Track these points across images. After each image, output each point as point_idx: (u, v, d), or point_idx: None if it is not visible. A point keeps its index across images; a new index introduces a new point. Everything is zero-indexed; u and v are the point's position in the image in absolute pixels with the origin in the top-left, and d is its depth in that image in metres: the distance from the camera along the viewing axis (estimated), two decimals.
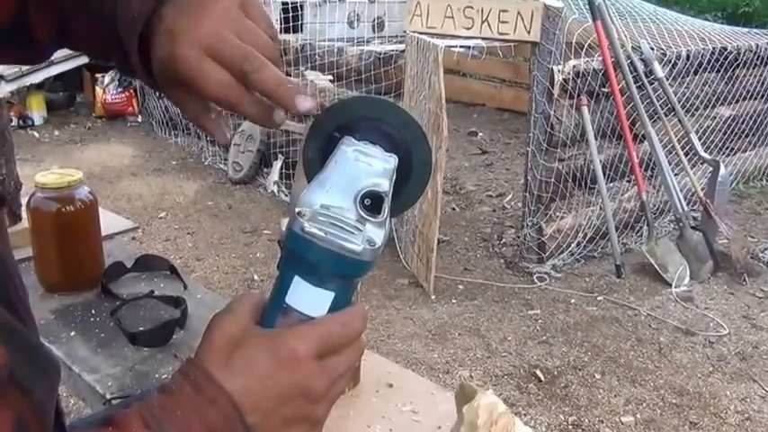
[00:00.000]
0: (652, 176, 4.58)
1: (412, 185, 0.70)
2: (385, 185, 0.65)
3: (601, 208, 4.29)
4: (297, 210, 0.64)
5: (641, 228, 4.53)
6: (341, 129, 0.68)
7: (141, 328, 1.57)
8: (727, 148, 5.33)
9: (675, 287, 3.97)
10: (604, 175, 4.26)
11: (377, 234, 0.64)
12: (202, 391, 0.62)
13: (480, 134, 7.18)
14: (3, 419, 0.61)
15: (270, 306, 0.68)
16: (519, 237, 4.39)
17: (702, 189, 4.45)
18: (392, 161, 0.65)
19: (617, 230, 4.26)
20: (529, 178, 4.18)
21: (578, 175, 4.32)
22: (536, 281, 4.08)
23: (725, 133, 5.29)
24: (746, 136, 5.52)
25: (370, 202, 0.64)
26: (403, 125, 0.69)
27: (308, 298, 0.66)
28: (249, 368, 0.64)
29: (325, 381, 0.68)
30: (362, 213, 0.64)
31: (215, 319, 0.67)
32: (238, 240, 4.61)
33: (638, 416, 2.95)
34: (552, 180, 4.16)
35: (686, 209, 4.32)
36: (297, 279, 0.66)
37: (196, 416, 0.62)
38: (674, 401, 3.04)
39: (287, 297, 0.66)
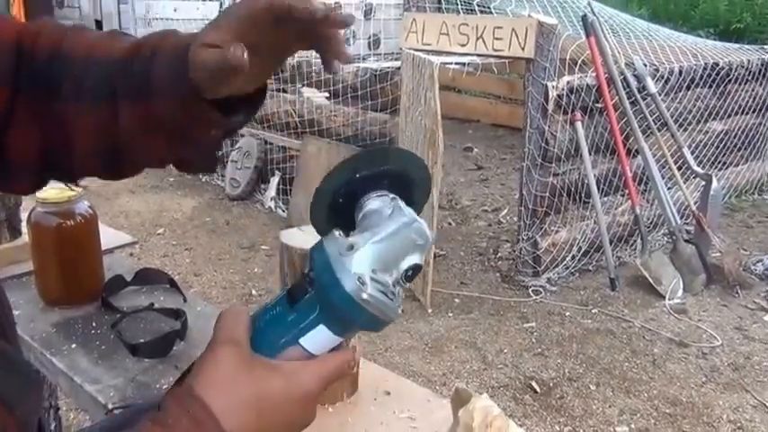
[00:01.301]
0: (645, 190, 4.63)
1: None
2: (423, 260, 0.67)
3: (595, 222, 4.33)
4: (354, 271, 0.63)
5: (635, 241, 4.57)
6: (377, 181, 0.69)
7: (142, 340, 1.59)
8: (719, 163, 5.38)
9: (669, 299, 4.01)
10: (598, 189, 4.31)
11: (401, 298, 0.67)
12: (200, 426, 0.61)
13: (476, 150, 7.23)
14: None
15: (276, 338, 0.67)
16: (514, 251, 4.43)
17: (695, 203, 4.50)
18: (431, 239, 0.67)
19: (611, 244, 4.30)
20: (524, 193, 4.23)
21: (573, 189, 4.36)
22: (531, 294, 4.12)
23: (717, 147, 5.35)
24: (738, 150, 5.58)
25: (411, 274, 0.66)
26: (422, 175, 0.72)
27: (322, 341, 0.67)
28: (258, 404, 0.64)
29: (315, 414, 0.69)
30: (401, 282, 0.65)
31: (215, 350, 0.65)
32: (236, 256, 4.64)
33: (633, 426, 2.98)
34: (547, 194, 4.20)
35: (679, 222, 4.36)
36: (321, 327, 0.66)
37: None
38: (667, 411, 3.07)
39: (302, 339, 0.66)
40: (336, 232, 0.66)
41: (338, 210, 0.69)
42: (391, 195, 0.68)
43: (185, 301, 1.79)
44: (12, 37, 0.79)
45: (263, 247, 4.77)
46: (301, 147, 5.24)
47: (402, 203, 0.68)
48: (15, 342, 0.75)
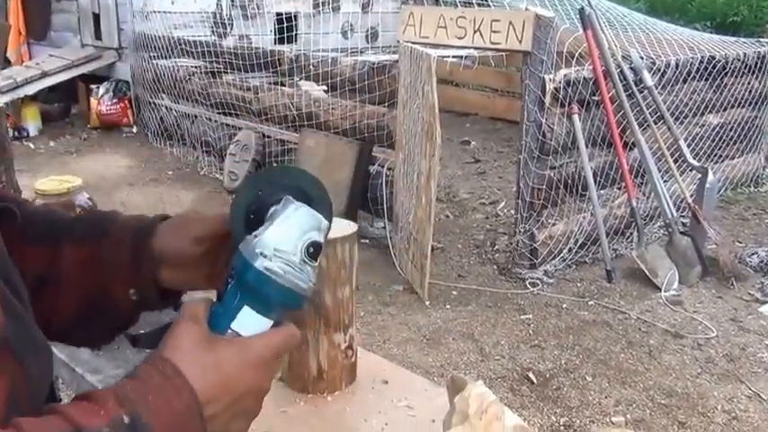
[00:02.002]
0: (642, 183, 4.65)
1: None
2: (321, 239, 0.78)
3: (592, 214, 4.35)
4: (258, 250, 0.74)
5: (631, 234, 4.59)
6: (275, 192, 0.82)
7: (142, 331, 1.61)
8: (715, 155, 5.41)
9: (665, 291, 4.04)
10: (595, 182, 4.33)
11: (313, 276, 0.77)
12: (170, 381, 0.70)
13: (473, 143, 7.25)
14: None
15: (214, 330, 0.75)
16: (511, 243, 4.45)
17: (691, 195, 4.52)
18: (327, 223, 0.79)
19: (608, 236, 4.33)
20: (521, 185, 4.25)
21: (570, 182, 4.38)
22: (528, 286, 4.14)
23: (713, 140, 5.37)
24: (734, 143, 5.60)
25: (312, 251, 0.76)
26: (318, 190, 0.84)
27: (252, 324, 0.76)
28: (218, 368, 0.72)
29: (270, 381, 0.78)
30: (305, 259, 0.76)
31: (180, 325, 0.74)
32: None
33: (629, 416, 3.00)
34: (544, 187, 4.22)
35: (675, 215, 4.39)
36: (245, 308, 0.75)
37: (164, 401, 0.69)
38: (663, 402, 3.10)
39: (233, 323, 0.75)
40: (248, 237, 0.77)
41: (250, 223, 0.81)
42: (286, 197, 0.80)
43: (184, 292, 1.80)
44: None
45: None
46: (299, 140, 5.26)
47: (292, 198, 0.80)
48: (30, 313, 0.79)
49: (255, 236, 0.76)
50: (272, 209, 0.80)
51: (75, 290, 0.94)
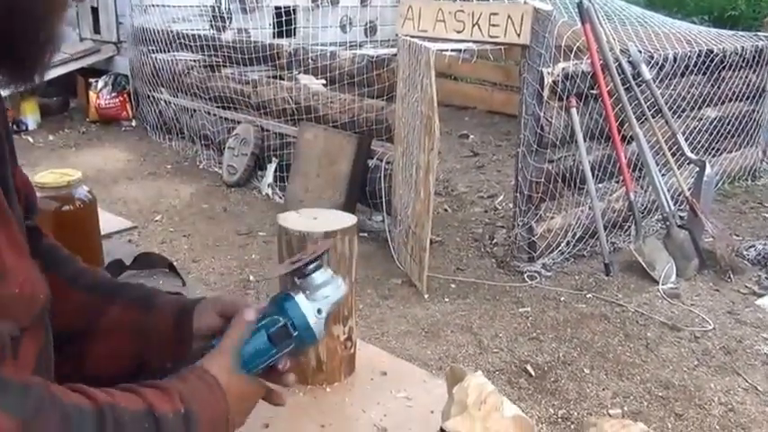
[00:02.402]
0: (640, 177, 4.66)
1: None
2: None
3: (590, 208, 4.37)
4: (322, 332, 0.99)
5: (629, 227, 4.61)
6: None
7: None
8: (713, 149, 5.42)
9: (662, 284, 4.06)
10: (593, 175, 4.34)
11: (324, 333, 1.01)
12: (213, 390, 0.91)
13: (472, 137, 7.26)
14: (30, 349, 0.80)
15: (259, 362, 0.98)
16: (510, 237, 4.46)
17: (689, 189, 4.53)
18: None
19: (606, 230, 4.34)
20: (519, 179, 4.26)
21: (568, 175, 4.39)
22: (527, 279, 4.15)
23: (711, 134, 5.38)
24: (732, 137, 5.61)
25: (327, 316, 1.02)
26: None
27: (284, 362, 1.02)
28: (240, 392, 0.95)
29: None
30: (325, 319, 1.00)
31: (218, 355, 0.96)
32: (234, 242, 4.67)
33: (626, 408, 3.02)
34: (542, 180, 4.23)
35: (673, 208, 4.40)
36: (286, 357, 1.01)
37: (208, 404, 0.89)
38: (660, 394, 3.12)
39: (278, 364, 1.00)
40: (301, 293, 0.99)
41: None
42: (331, 269, 1.01)
43: (184, 284, 1.82)
44: None
45: (260, 233, 4.80)
46: (298, 133, 5.26)
47: (340, 279, 1.01)
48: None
49: (320, 311, 0.99)
50: (316, 275, 1.00)
51: (111, 349, 1.07)
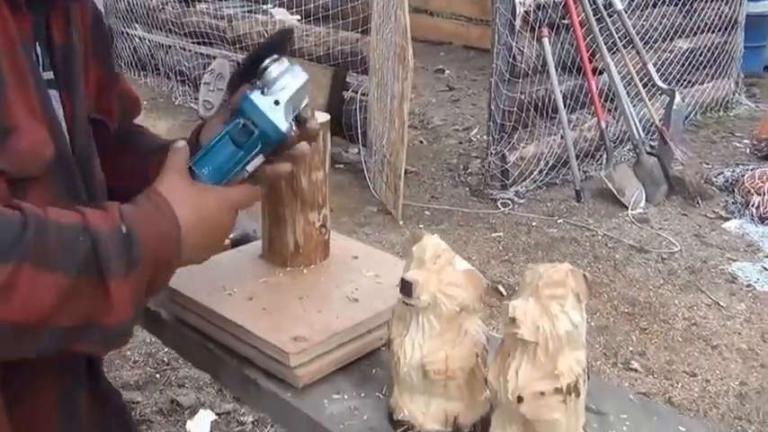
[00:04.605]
0: (613, 108, 4.73)
1: None
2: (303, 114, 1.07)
3: (562, 137, 4.44)
4: (286, 120, 0.99)
5: (601, 156, 4.69)
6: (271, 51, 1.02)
7: None
8: (685, 80, 5.49)
9: (632, 210, 4.16)
10: (565, 105, 4.41)
11: (292, 129, 1.01)
12: (161, 210, 0.92)
13: (447, 71, 7.27)
14: (38, 197, 0.91)
15: (229, 168, 0.99)
16: (483, 166, 4.54)
17: (660, 119, 4.61)
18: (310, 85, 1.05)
19: (578, 159, 4.43)
20: (492, 108, 4.32)
21: (540, 105, 4.46)
22: (500, 206, 4.25)
23: (683, 65, 5.44)
24: (704, 68, 5.68)
25: (296, 119, 1.03)
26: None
27: (257, 164, 1.01)
28: (198, 208, 0.95)
29: (232, 226, 1.02)
30: (291, 120, 1.01)
31: (166, 172, 0.98)
32: None
33: (593, 324, 3.14)
34: (515, 110, 4.29)
35: (643, 136, 4.49)
36: (260, 156, 1.01)
37: (154, 223, 0.90)
38: (626, 311, 3.25)
39: (248, 166, 1.00)
40: (257, 90, 0.98)
41: (243, 72, 1.03)
42: (286, 60, 1.00)
43: None
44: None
45: None
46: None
47: (297, 66, 1.00)
48: None
49: (276, 102, 0.97)
50: (273, 66, 0.98)
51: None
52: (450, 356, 0.95)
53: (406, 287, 0.94)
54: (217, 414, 2.66)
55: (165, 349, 2.96)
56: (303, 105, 1.05)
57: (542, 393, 0.82)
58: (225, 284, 1.24)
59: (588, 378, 0.89)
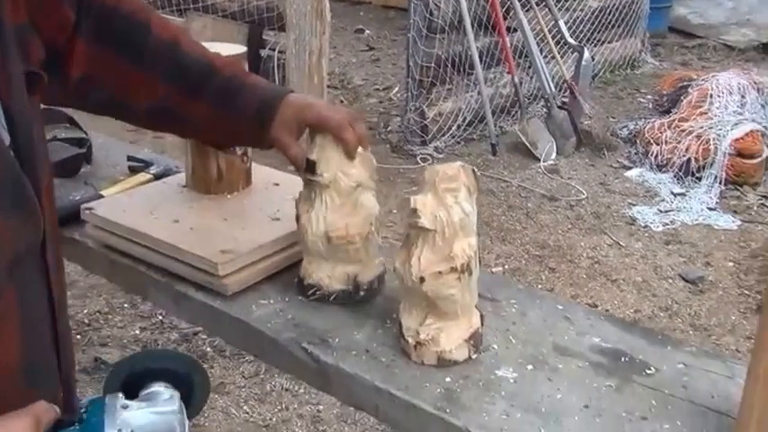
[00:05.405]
0: (528, 66, 4.89)
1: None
2: None
3: (479, 93, 4.59)
4: (118, 426, 0.75)
5: (516, 112, 4.86)
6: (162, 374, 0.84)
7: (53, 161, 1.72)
8: (595, 39, 5.70)
9: (543, 161, 4.36)
10: (481, 61, 4.54)
11: None
12: None
13: (367, 32, 7.33)
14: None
15: None
16: (403, 122, 4.65)
17: (570, 77, 4.80)
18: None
19: (494, 115, 4.59)
20: (411, 64, 4.42)
21: (457, 61, 4.58)
22: (419, 162, 4.37)
23: (593, 24, 5.65)
24: (613, 27, 5.90)
25: None
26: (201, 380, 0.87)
27: None
28: None
29: None
30: None
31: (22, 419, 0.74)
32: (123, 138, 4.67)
33: (507, 266, 3.33)
34: (432, 65, 4.41)
35: (554, 90, 4.68)
36: None
37: None
38: (536, 254, 3.44)
39: None
40: (120, 394, 0.79)
41: (128, 387, 0.82)
42: (172, 389, 0.82)
43: (86, 134, 1.91)
44: None
45: None
46: (185, 23, 5.21)
47: (178, 398, 0.81)
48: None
49: (126, 406, 0.77)
50: (154, 386, 0.82)
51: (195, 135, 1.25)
52: (350, 224, 1.13)
53: (310, 166, 1.12)
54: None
55: (86, 310, 2.99)
56: None
57: (440, 273, 0.95)
58: (151, 210, 1.31)
59: (480, 263, 1.01)
